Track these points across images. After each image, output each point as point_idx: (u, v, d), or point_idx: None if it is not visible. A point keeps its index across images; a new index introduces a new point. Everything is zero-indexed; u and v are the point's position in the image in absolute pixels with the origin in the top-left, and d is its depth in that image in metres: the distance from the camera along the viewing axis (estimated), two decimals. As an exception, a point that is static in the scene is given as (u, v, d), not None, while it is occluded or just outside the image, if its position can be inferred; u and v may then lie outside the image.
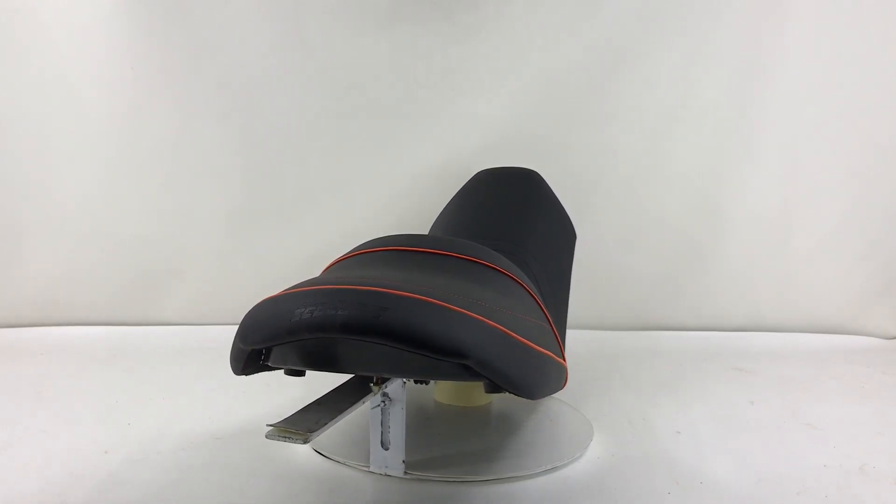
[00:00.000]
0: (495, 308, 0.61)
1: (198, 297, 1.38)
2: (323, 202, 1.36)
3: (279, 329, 0.56)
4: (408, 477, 0.73)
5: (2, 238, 1.33)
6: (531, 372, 0.63)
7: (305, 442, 0.57)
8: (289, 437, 0.57)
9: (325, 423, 0.60)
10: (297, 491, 0.70)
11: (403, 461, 0.72)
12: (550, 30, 1.31)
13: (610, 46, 1.32)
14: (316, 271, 1.40)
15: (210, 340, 1.29)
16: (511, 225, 1.00)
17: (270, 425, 0.58)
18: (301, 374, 0.63)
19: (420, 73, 1.32)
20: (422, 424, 0.87)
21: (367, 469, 0.74)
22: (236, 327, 0.62)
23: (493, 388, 0.61)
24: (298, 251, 1.36)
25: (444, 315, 0.55)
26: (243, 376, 0.66)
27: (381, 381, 0.69)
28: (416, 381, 0.71)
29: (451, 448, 0.80)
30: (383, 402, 0.71)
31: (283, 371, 0.68)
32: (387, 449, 0.72)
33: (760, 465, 0.78)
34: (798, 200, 1.39)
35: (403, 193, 1.35)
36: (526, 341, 0.62)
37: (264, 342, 0.58)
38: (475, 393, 0.93)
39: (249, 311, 0.61)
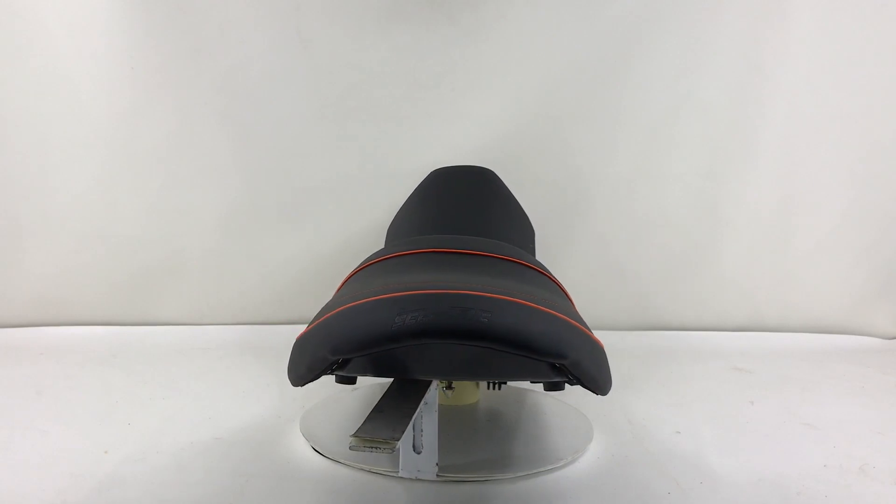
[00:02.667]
0: (562, 308, 0.62)
1: (197, 297, 1.38)
2: (323, 202, 1.36)
3: (380, 336, 0.55)
4: (439, 479, 0.72)
5: (2, 238, 1.33)
6: (604, 369, 0.65)
7: (393, 451, 0.56)
8: (376, 448, 0.55)
9: (402, 430, 0.59)
10: (298, 492, 0.70)
11: (437, 464, 0.72)
12: (550, 30, 1.31)
13: (610, 47, 1.32)
14: (316, 271, 1.41)
15: (210, 340, 1.30)
16: (479, 222, 1.01)
17: (353, 436, 0.56)
18: (353, 381, 0.62)
19: (420, 73, 1.32)
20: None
21: (395, 474, 0.73)
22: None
23: (553, 387, 0.64)
24: (298, 251, 1.37)
25: (542, 317, 0.57)
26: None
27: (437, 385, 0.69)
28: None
29: (459, 449, 0.80)
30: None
31: (334, 379, 0.67)
32: (419, 453, 0.72)
33: (760, 465, 0.78)
34: (798, 200, 1.39)
35: (404, 193, 1.34)
36: (598, 340, 0.64)
37: (361, 350, 0.56)
38: (464, 391, 0.93)
39: (331, 320, 0.59)
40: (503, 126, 1.34)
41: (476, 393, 0.95)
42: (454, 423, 0.88)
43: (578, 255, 1.38)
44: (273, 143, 1.34)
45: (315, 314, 0.67)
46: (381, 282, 0.64)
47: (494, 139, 1.34)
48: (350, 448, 0.56)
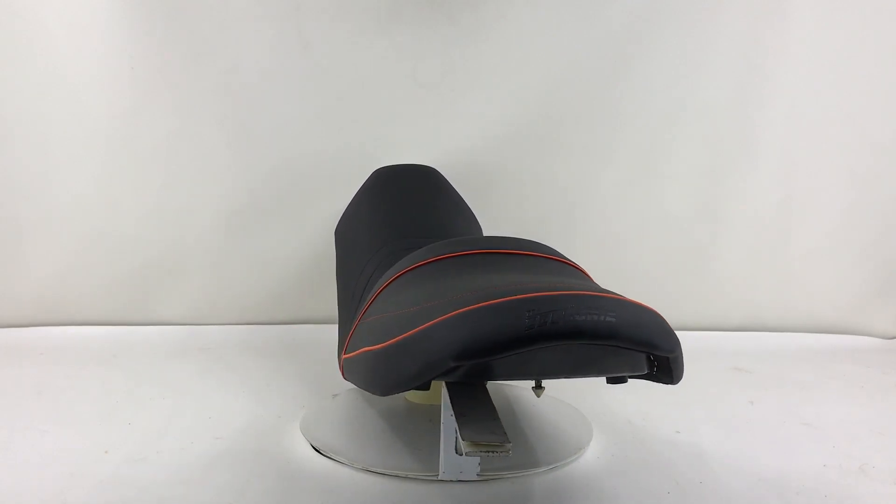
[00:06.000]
0: None
1: (198, 297, 1.38)
2: (323, 201, 1.36)
3: (514, 339, 0.54)
4: (480, 479, 0.71)
5: (2, 238, 1.33)
6: None
7: (509, 452, 0.56)
8: (493, 450, 0.55)
9: (502, 430, 0.58)
10: (298, 492, 0.70)
11: (479, 464, 0.71)
12: (551, 30, 1.31)
13: (610, 47, 1.32)
14: (317, 271, 1.40)
15: (210, 340, 1.30)
16: (443, 221, 1.02)
17: (468, 442, 0.56)
18: (427, 386, 0.61)
19: (420, 73, 1.32)
20: (413, 425, 0.87)
21: (434, 477, 0.72)
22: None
23: (619, 380, 0.66)
24: (299, 251, 1.36)
25: (653, 315, 0.59)
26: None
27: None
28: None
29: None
30: None
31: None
32: (461, 454, 0.71)
33: (760, 465, 0.78)
34: (797, 200, 1.39)
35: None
36: None
37: (490, 354, 0.55)
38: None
39: (450, 324, 0.57)
40: (503, 126, 1.34)
41: None
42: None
43: (577, 255, 1.36)
44: (273, 143, 1.33)
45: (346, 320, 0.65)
46: (471, 283, 0.62)
47: (494, 139, 1.34)
48: (466, 454, 0.56)
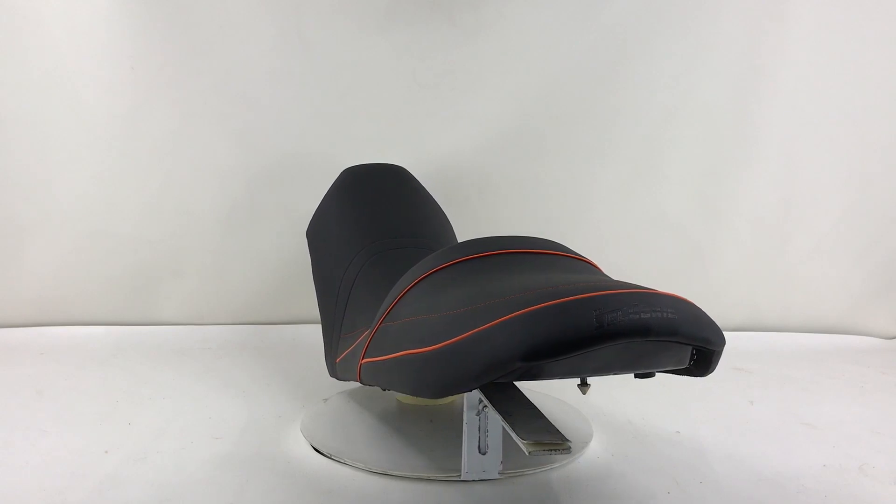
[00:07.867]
0: None
1: (198, 297, 1.38)
2: (323, 202, 1.36)
3: (584, 338, 0.53)
4: (502, 477, 0.72)
5: (2, 238, 1.33)
6: None
7: (569, 450, 0.56)
8: (555, 450, 0.55)
9: (555, 429, 0.58)
10: (298, 491, 0.70)
11: (501, 462, 0.72)
12: (550, 30, 1.31)
13: (610, 47, 1.32)
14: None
15: (210, 340, 1.30)
16: (419, 222, 1.01)
17: (532, 443, 0.55)
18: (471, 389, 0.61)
19: (420, 73, 1.32)
20: (416, 426, 0.87)
21: (456, 478, 0.72)
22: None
23: (648, 375, 0.65)
24: (298, 250, 1.36)
25: (701, 311, 0.61)
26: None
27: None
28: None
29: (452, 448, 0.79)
30: (483, 407, 0.70)
31: None
32: (484, 454, 0.71)
33: (760, 465, 0.78)
34: (797, 201, 1.39)
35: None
36: None
37: (560, 354, 0.54)
38: None
39: (514, 325, 0.56)
40: (503, 126, 1.34)
41: None
42: (442, 423, 0.87)
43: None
44: (273, 143, 1.34)
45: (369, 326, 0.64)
46: (520, 283, 0.62)
47: (494, 139, 1.34)
48: (530, 454, 0.55)
